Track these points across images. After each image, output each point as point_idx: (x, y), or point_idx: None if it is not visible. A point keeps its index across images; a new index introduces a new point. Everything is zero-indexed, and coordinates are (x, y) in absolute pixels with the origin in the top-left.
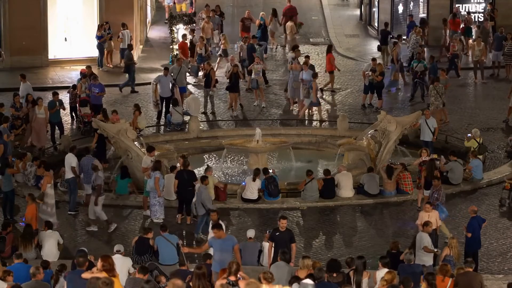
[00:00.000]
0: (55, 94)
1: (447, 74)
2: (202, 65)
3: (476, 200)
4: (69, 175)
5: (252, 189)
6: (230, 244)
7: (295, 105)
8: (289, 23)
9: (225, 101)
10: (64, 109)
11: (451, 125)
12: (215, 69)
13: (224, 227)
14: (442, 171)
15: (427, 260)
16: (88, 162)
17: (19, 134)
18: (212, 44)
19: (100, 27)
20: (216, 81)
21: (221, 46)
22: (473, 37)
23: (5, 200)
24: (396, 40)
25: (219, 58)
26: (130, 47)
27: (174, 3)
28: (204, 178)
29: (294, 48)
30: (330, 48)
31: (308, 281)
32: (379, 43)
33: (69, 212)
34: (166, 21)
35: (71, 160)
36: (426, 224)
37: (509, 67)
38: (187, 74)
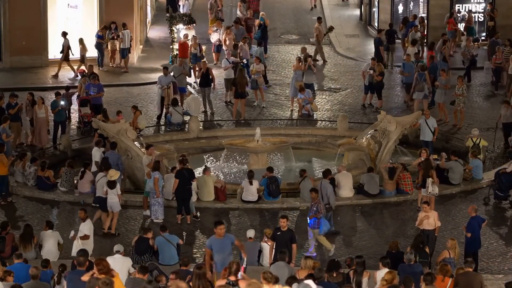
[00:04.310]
0: (58, 95)
1: (496, 88)
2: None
3: (476, 200)
4: (93, 168)
5: (251, 192)
6: (229, 242)
7: (295, 105)
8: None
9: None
10: (66, 109)
11: (450, 123)
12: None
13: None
14: (442, 167)
15: None
16: (113, 157)
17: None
18: (237, 56)
19: (104, 27)
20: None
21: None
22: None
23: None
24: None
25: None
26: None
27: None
28: (328, 172)
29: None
30: (432, 46)
31: (309, 281)
32: (386, 43)
33: (93, 204)
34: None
35: (95, 154)
36: None
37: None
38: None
